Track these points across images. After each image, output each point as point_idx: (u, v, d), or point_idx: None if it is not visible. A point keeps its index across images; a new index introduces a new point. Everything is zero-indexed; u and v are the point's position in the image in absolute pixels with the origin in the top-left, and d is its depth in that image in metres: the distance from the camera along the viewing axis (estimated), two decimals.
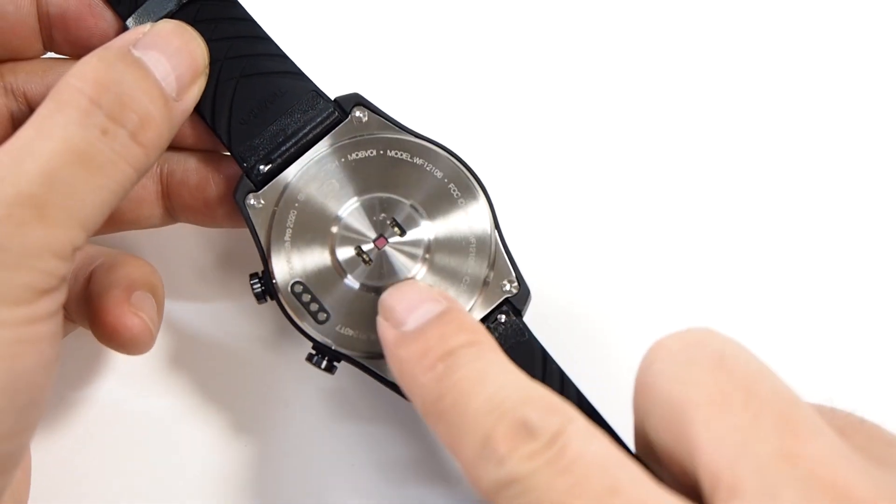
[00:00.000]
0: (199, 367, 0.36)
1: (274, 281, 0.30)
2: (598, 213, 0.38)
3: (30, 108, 0.32)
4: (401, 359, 0.26)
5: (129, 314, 0.30)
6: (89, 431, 0.35)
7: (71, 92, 0.26)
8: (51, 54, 0.33)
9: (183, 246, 0.37)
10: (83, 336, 0.33)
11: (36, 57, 0.33)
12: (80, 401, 0.36)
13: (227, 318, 0.37)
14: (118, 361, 0.36)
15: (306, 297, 0.30)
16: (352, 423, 0.36)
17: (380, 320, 0.28)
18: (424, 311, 0.27)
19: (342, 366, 0.31)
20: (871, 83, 0.40)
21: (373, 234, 0.31)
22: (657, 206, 0.38)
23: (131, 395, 0.36)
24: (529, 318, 0.31)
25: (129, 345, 0.30)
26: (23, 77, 0.32)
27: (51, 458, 0.35)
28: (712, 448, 0.22)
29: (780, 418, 0.22)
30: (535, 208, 0.38)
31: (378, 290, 0.30)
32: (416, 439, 0.35)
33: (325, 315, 0.30)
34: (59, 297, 0.26)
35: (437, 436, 0.25)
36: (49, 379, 0.26)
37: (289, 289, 0.30)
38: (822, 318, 0.37)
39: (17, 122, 0.32)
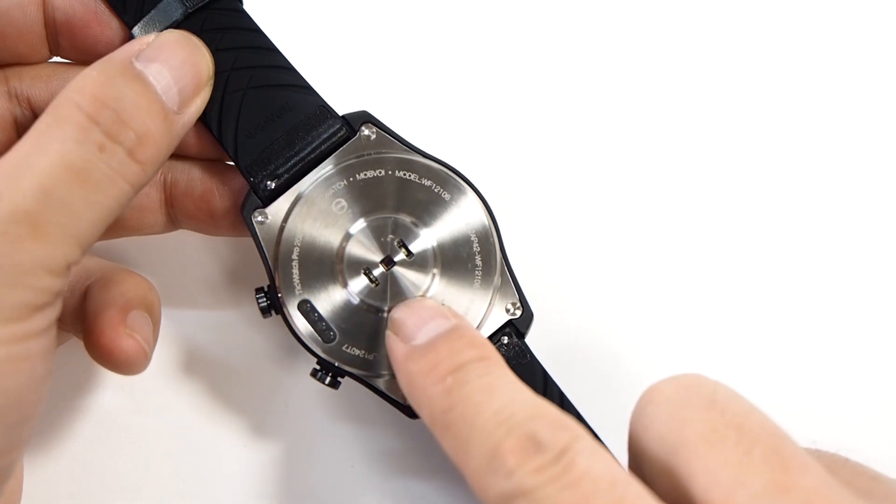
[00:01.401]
0: (200, 377, 0.36)
1: (280, 297, 0.30)
2: (600, 233, 0.38)
3: (33, 114, 0.32)
4: (410, 372, 0.26)
5: (123, 336, 0.30)
6: (88, 442, 0.35)
7: (69, 107, 0.26)
8: (57, 59, 0.33)
9: (186, 254, 0.37)
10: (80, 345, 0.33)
11: (42, 62, 0.32)
12: (77, 411, 0.36)
13: (230, 327, 0.36)
14: (107, 375, 0.36)
15: (314, 316, 0.30)
16: (352, 424, 0.36)
17: (389, 335, 0.28)
18: (434, 327, 0.27)
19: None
20: (870, 84, 0.40)
21: (380, 256, 0.31)
22: (659, 225, 0.38)
23: (130, 405, 0.36)
24: (531, 339, 0.31)
25: (123, 366, 0.30)
26: (28, 82, 0.32)
27: (49, 469, 0.35)
28: (708, 482, 0.22)
29: (771, 453, 0.22)
30: (539, 228, 0.38)
31: (384, 312, 0.30)
32: (415, 436, 0.36)
33: (332, 334, 0.30)
34: (53, 313, 0.26)
35: (444, 446, 0.25)
36: (41, 395, 0.26)
37: (296, 307, 0.30)
38: (809, 361, 0.37)
39: (20, 127, 0.32)
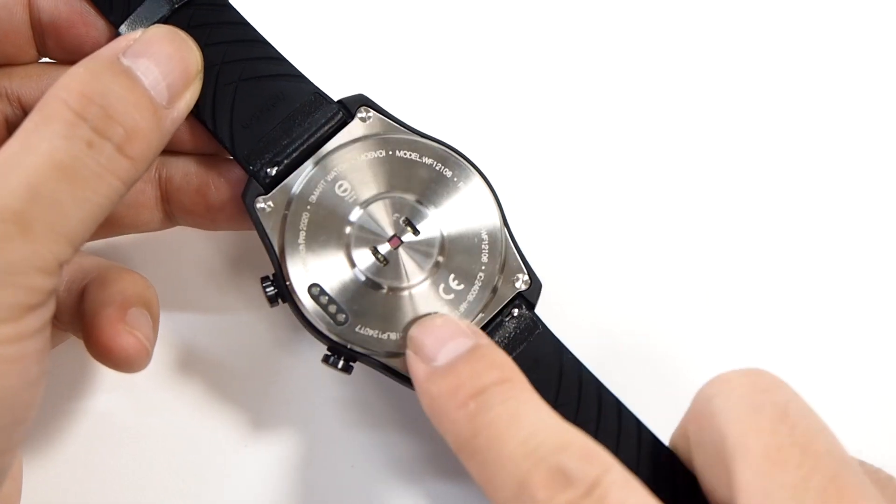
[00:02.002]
0: (200, 376, 0.36)
1: (289, 283, 0.30)
2: (602, 206, 0.38)
3: (24, 113, 0.32)
4: (432, 395, 0.26)
5: (124, 334, 0.29)
6: (87, 442, 0.35)
7: (56, 104, 0.26)
8: (46, 60, 0.33)
9: (182, 252, 0.37)
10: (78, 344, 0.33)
11: (31, 62, 0.32)
12: (76, 411, 0.35)
13: (229, 326, 0.36)
14: (107, 375, 0.36)
15: (324, 300, 0.30)
16: (352, 424, 0.35)
17: (409, 354, 0.28)
18: (454, 347, 0.27)
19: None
20: (872, 83, 0.40)
21: (387, 235, 0.31)
22: (661, 200, 0.38)
23: (130, 405, 0.35)
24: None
25: (125, 364, 0.30)
26: (17, 82, 0.32)
27: (48, 470, 0.35)
28: (755, 495, 0.22)
29: (830, 480, 0.22)
30: (539, 201, 0.38)
31: (395, 290, 0.30)
32: (415, 437, 0.35)
33: (344, 316, 0.30)
34: (46, 313, 0.26)
35: (470, 472, 0.25)
36: (35, 397, 0.25)
37: (306, 291, 0.30)
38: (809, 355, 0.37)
39: (12, 126, 0.32)
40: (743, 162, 0.39)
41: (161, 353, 0.36)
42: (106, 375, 0.36)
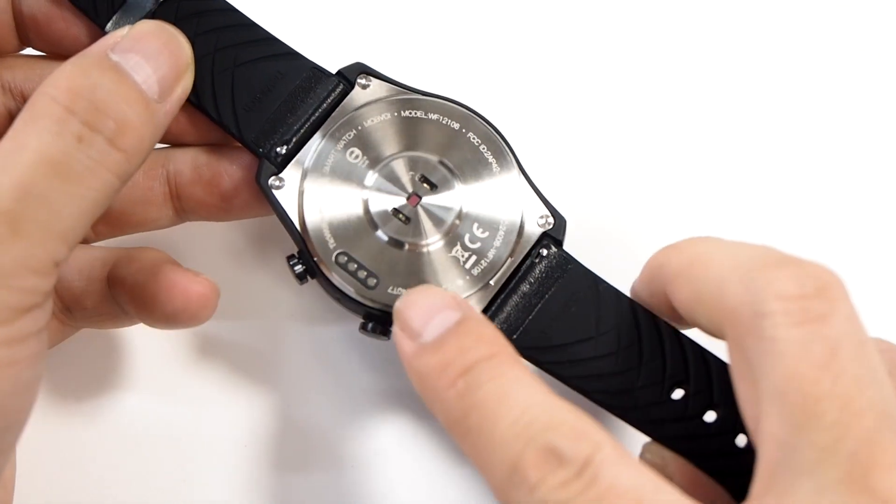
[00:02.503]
0: (199, 377, 0.36)
1: (316, 258, 0.30)
2: (616, 143, 0.39)
3: None
4: (420, 372, 0.26)
5: (193, 280, 0.30)
6: (87, 443, 0.35)
7: (45, 101, 0.25)
8: (30, 51, 0.33)
9: (185, 250, 0.37)
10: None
11: (13, 52, 0.32)
12: (74, 413, 0.35)
13: (229, 327, 0.36)
14: (126, 364, 0.36)
15: (352, 266, 0.30)
16: (352, 425, 0.35)
17: (396, 330, 0.27)
18: (441, 321, 0.26)
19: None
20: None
21: (406, 194, 0.31)
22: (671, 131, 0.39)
23: (129, 406, 0.35)
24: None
25: (202, 311, 0.30)
26: (21, 76, 0.32)
27: (48, 472, 0.34)
28: (782, 448, 0.22)
29: (864, 443, 0.22)
30: (553, 146, 0.39)
31: (420, 246, 0.31)
32: (415, 437, 0.35)
33: (375, 280, 0.30)
34: (42, 315, 0.25)
35: (463, 451, 0.25)
36: (28, 401, 0.25)
37: (333, 260, 0.30)
38: None
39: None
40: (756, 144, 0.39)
41: (161, 354, 0.36)
42: (102, 377, 0.36)
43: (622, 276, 0.31)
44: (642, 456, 0.30)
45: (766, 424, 0.23)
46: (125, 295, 0.31)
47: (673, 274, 0.27)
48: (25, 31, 0.31)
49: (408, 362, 0.26)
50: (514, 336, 0.30)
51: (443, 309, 0.27)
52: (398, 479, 0.35)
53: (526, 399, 0.24)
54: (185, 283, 0.30)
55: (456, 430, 0.25)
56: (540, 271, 0.31)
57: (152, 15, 0.31)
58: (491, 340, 0.26)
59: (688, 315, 0.27)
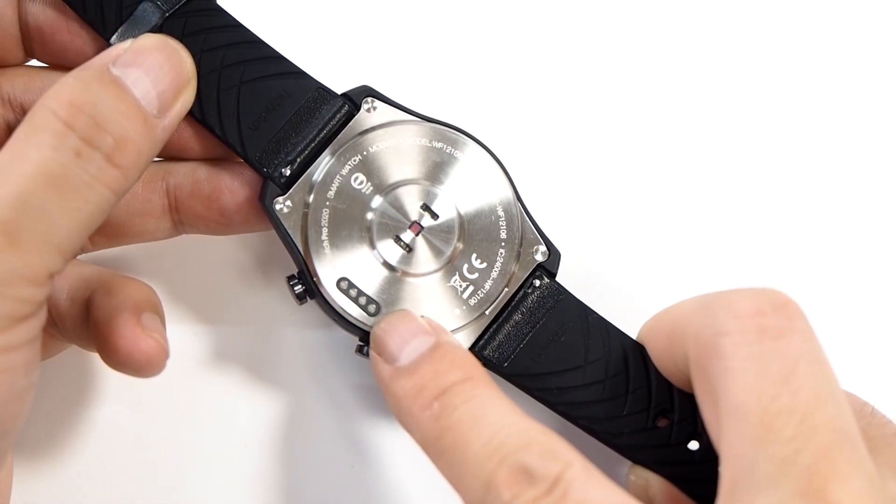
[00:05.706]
0: (199, 379, 0.36)
1: (316, 280, 0.31)
2: (613, 182, 0.39)
3: None
4: (396, 395, 0.27)
5: (143, 337, 0.29)
6: (87, 445, 0.35)
7: (45, 114, 0.26)
8: (35, 62, 0.33)
9: (180, 261, 0.37)
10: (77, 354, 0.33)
11: (18, 64, 0.32)
12: (73, 417, 0.35)
13: (229, 330, 0.36)
14: (111, 381, 0.36)
15: (353, 292, 0.31)
16: (353, 425, 0.36)
17: (373, 355, 0.28)
18: (416, 346, 0.28)
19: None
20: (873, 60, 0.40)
21: (408, 222, 0.31)
22: (668, 169, 0.39)
23: (129, 408, 0.36)
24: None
25: (145, 368, 0.29)
26: (20, 88, 0.32)
27: (48, 472, 0.35)
28: (741, 463, 0.22)
29: (822, 456, 0.22)
30: (549, 178, 0.39)
31: (421, 275, 0.31)
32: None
33: (376, 306, 0.30)
34: (36, 324, 0.26)
35: (439, 471, 0.26)
36: (22, 408, 0.25)
37: (335, 286, 0.30)
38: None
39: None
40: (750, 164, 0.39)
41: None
42: (100, 383, 0.36)
43: (611, 305, 0.32)
44: (628, 476, 0.30)
45: (727, 440, 0.23)
46: (91, 325, 0.30)
47: (646, 332, 0.29)
48: (30, 43, 0.32)
49: (384, 385, 0.27)
50: (505, 364, 0.31)
51: (418, 334, 0.28)
52: (398, 479, 0.35)
53: (498, 420, 0.25)
54: (135, 339, 0.29)
55: (431, 451, 0.26)
56: (532, 301, 0.31)
57: (158, 29, 0.31)
58: (464, 364, 0.27)
59: (666, 369, 0.28)
